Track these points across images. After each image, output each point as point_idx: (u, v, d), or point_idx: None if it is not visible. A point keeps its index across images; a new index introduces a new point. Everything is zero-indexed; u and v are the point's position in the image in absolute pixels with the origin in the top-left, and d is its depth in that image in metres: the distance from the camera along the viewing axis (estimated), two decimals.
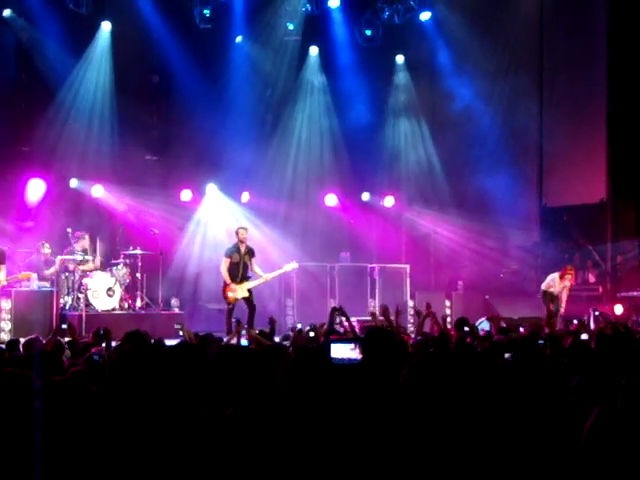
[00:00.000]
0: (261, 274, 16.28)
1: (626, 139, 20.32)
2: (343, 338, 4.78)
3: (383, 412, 4.01)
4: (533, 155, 22.23)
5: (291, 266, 17.16)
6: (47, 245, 16.58)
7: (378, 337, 4.58)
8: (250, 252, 16.19)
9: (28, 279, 15.52)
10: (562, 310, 17.18)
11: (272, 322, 10.70)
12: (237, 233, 16.23)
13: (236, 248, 16.09)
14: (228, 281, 15.82)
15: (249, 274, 16.11)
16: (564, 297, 17.32)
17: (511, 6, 21.39)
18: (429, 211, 22.07)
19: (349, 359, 4.15)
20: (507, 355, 7.58)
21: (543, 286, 17.55)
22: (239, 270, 15.94)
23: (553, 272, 18.28)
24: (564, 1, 21.68)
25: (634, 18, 19.82)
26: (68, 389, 4.54)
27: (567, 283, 17.34)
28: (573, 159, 20.92)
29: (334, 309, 11.01)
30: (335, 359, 4.20)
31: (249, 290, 16.01)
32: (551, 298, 17.32)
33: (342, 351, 4.21)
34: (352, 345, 4.21)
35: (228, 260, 15.97)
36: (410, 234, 22.33)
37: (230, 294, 15.81)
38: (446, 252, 22.11)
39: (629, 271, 19.78)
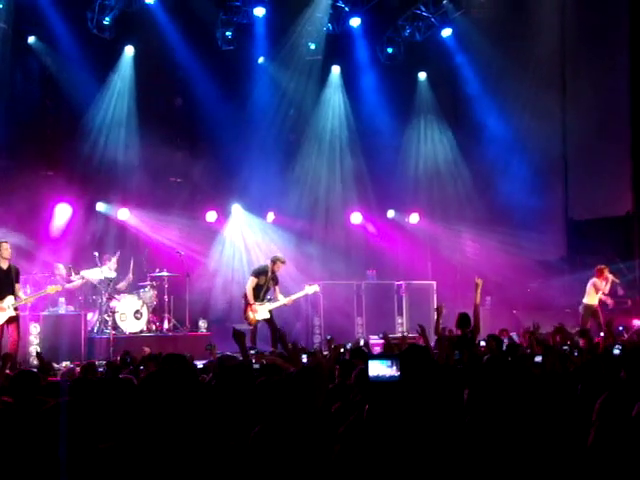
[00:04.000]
0: (283, 299, 16.19)
1: None
2: (380, 355, 4.76)
3: (426, 429, 4.01)
4: (558, 169, 22.13)
5: (313, 289, 17.14)
6: (71, 267, 16.66)
7: (415, 354, 4.58)
8: (275, 279, 16.15)
9: (56, 292, 15.51)
10: (609, 302, 17.39)
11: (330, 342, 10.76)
12: (275, 263, 16.05)
13: (265, 271, 16.04)
14: (252, 301, 15.77)
15: (270, 297, 16.06)
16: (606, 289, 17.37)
17: (532, 18, 21.33)
18: (454, 227, 22.00)
19: (388, 376, 4.14)
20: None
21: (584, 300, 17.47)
22: (262, 292, 15.93)
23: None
24: (585, 12, 21.59)
25: None
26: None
27: (609, 276, 17.31)
28: (598, 172, 20.84)
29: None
30: (373, 377, 4.20)
31: (270, 311, 15.94)
32: (591, 312, 17.21)
33: (379, 369, 4.21)
34: (389, 362, 4.20)
35: (255, 280, 15.92)
36: (436, 250, 22.25)
37: (251, 315, 15.77)
38: (472, 267, 21.99)
39: None
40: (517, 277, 21.06)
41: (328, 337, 12.65)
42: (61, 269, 16.59)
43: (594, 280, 17.26)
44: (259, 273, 16.04)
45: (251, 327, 15.70)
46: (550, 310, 19.81)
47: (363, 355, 8.83)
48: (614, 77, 20.84)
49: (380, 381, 4.12)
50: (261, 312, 15.79)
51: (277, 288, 16.20)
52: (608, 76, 20.92)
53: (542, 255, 21.43)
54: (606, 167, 20.76)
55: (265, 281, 15.94)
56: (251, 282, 15.94)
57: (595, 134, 20.92)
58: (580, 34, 21.66)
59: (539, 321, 18.17)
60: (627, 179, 20.81)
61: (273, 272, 16.02)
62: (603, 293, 17.23)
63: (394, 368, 4.09)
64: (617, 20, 20.87)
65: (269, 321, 15.83)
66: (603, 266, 17.46)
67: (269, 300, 16.02)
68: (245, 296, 15.97)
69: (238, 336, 8.28)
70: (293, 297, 16.61)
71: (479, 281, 11.89)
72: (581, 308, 17.33)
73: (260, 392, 5.47)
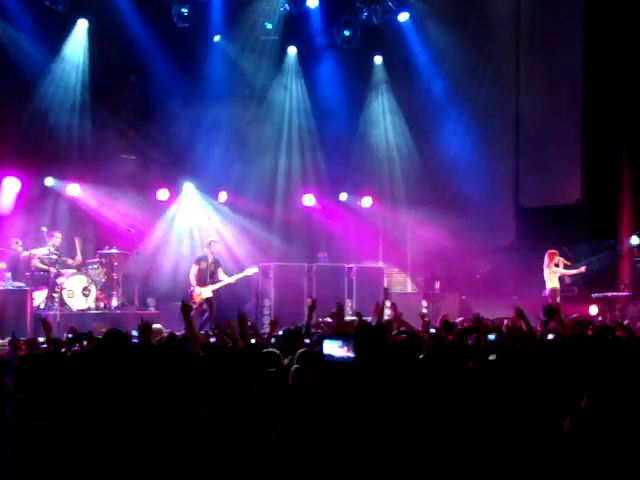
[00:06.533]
0: (226, 279, 17.32)
1: (601, 140, 20.46)
2: (332, 335, 4.77)
3: (379, 411, 4.02)
4: (509, 156, 22.31)
5: (252, 270, 17.94)
6: (19, 242, 16.46)
7: (370, 336, 4.58)
8: (216, 262, 17.38)
9: (1, 269, 15.38)
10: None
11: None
12: (210, 245, 17.46)
13: (204, 257, 17.34)
14: (193, 283, 17.01)
15: (213, 280, 17.18)
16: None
17: (488, 4, 21.45)
18: (406, 211, 22.06)
19: (342, 357, 4.13)
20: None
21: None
22: (207, 276, 17.07)
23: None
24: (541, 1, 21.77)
25: (610, 18, 19.97)
26: None
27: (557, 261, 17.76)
28: (549, 161, 21.01)
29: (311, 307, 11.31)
30: (327, 355, 4.19)
31: (213, 292, 17.07)
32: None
33: (332, 349, 4.20)
34: (340, 343, 4.19)
35: (197, 267, 17.21)
36: (387, 234, 22.33)
37: (195, 296, 16.88)
38: (423, 252, 22.16)
39: (604, 271, 19.88)
40: (467, 263, 21.23)
41: (272, 319, 12.85)
42: (17, 244, 16.40)
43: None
44: (199, 260, 17.33)
45: (195, 308, 16.17)
46: (498, 296, 19.99)
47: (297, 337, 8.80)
48: (568, 67, 21.01)
49: (333, 361, 4.13)
50: (204, 292, 16.94)
51: (220, 270, 17.35)
52: (562, 66, 21.08)
53: (492, 242, 21.60)
54: (557, 156, 20.94)
55: (207, 265, 17.13)
56: (192, 269, 17.24)
57: (546, 123, 21.11)
58: (535, 21, 21.81)
59: (488, 307, 18.44)
60: (577, 168, 21.04)
61: (212, 255, 17.31)
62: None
63: (345, 349, 4.09)
64: (572, 9, 21.03)
65: (209, 301, 16.99)
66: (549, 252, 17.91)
67: (212, 282, 17.09)
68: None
69: (186, 309, 8.27)
70: (234, 278, 17.54)
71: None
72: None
73: (203, 372, 5.45)
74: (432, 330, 11.02)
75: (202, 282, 16.96)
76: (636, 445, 3.91)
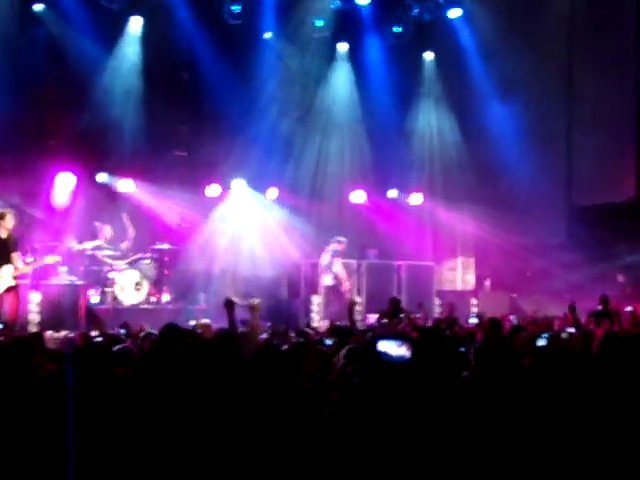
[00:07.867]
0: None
1: None
2: (390, 336, 4.78)
3: (439, 412, 4.03)
4: (562, 154, 22.11)
5: None
6: (73, 236, 16.69)
7: (430, 338, 4.60)
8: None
9: (56, 262, 15.56)
10: None
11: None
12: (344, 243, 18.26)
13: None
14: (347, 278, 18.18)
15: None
16: None
17: (541, 3, 21.28)
18: (456, 208, 21.94)
19: (399, 356, 4.14)
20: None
21: None
22: None
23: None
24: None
25: None
26: None
27: None
28: (602, 158, 20.81)
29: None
30: (384, 354, 4.20)
31: None
32: None
33: (390, 348, 4.20)
34: (398, 342, 4.20)
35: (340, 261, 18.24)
36: (437, 231, 22.24)
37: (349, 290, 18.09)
38: (473, 250, 22.03)
39: None
40: (517, 261, 21.07)
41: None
42: (71, 240, 16.64)
43: None
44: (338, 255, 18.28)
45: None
46: (548, 295, 19.83)
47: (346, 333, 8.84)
48: (621, 63, 20.82)
49: (390, 361, 4.14)
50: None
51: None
52: (615, 62, 20.88)
53: (543, 239, 21.43)
54: (610, 153, 20.75)
55: None
56: (338, 266, 18.36)
57: (600, 119, 20.89)
58: (589, 19, 21.61)
59: (538, 305, 18.35)
60: (631, 165, 20.81)
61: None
62: None
63: (403, 348, 4.10)
64: (625, 6, 20.84)
65: None
66: None
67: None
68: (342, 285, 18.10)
69: (230, 305, 8.38)
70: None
71: None
72: None
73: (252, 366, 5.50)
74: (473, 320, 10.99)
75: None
76: None
